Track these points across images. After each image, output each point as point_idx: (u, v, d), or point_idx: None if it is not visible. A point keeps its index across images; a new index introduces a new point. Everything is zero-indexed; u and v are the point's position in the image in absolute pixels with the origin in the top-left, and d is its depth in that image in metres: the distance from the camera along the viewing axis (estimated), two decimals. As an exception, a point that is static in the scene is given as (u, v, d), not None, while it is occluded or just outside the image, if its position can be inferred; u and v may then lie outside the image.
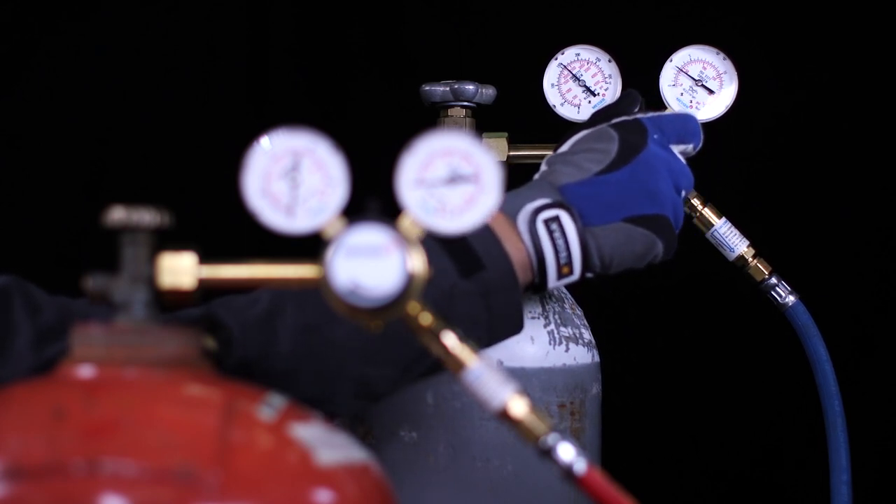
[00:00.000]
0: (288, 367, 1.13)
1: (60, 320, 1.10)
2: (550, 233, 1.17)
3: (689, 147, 1.27)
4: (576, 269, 1.18)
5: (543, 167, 1.24)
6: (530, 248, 1.16)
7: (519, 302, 1.17)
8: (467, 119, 1.36)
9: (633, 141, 1.22)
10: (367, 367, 1.14)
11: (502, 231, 1.16)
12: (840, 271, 1.99)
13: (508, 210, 1.18)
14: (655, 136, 1.24)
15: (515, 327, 1.18)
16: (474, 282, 1.14)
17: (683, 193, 1.25)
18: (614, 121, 1.24)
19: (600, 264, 1.19)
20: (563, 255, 1.17)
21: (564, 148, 1.24)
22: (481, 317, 1.15)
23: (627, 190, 1.20)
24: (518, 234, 1.17)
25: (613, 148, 1.22)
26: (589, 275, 1.20)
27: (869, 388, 1.95)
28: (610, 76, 1.37)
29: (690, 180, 1.26)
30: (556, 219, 1.17)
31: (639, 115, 1.26)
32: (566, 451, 0.87)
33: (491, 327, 1.16)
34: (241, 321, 1.12)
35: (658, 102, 1.36)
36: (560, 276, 1.18)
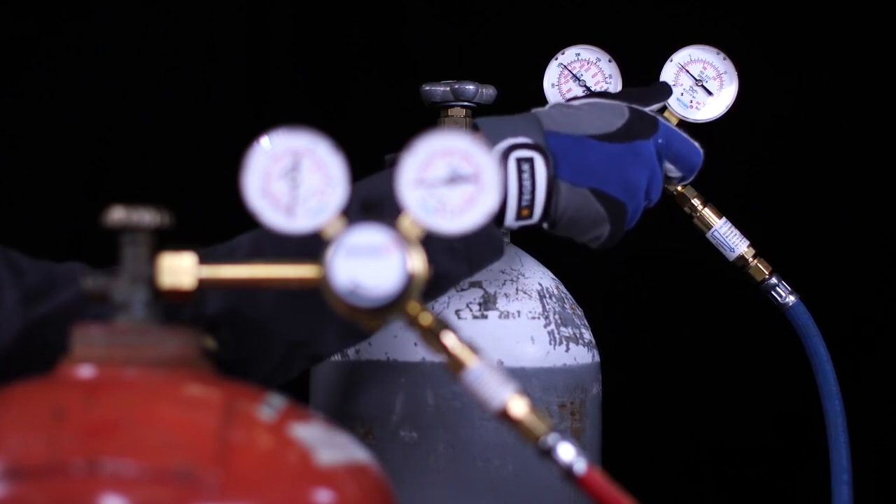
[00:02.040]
0: (273, 311, 1.14)
1: (46, 282, 1.12)
2: (520, 172, 1.19)
3: (678, 174, 1.29)
4: (536, 214, 1.20)
5: (546, 107, 1.25)
6: None
7: (494, 227, 1.19)
8: (467, 119, 1.36)
9: (638, 128, 1.24)
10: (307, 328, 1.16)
11: None
12: (840, 271, 1.99)
13: (491, 136, 1.19)
14: (660, 141, 1.25)
15: (495, 252, 1.20)
16: None
17: (646, 203, 1.26)
18: (635, 105, 1.25)
19: (555, 218, 1.21)
20: (526, 196, 1.19)
21: (576, 102, 1.25)
22: (459, 246, 1.17)
23: (608, 165, 1.22)
24: None
25: (619, 123, 1.23)
26: (545, 225, 1.21)
27: (869, 388, 1.95)
28: (610, 76, 1.37)
29: (658, 196, 1.27)
30: (530, 160, 1.19)
31: (658, 116, 1.28)
32: (566, 451, 0.87)
33: (469, 255, 1.18)
34: None
35: (658, 102, 1.37)
36: (519, 216, 1.20)
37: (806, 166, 2.01)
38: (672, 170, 1.29)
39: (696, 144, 1.29)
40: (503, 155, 1.18)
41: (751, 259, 1.40)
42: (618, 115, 1.24)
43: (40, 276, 1.12)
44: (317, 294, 1.13)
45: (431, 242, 1.13)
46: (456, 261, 1.17)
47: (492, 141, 1.19)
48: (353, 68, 2.06)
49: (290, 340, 1.15)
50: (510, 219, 1.20)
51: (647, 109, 1.28)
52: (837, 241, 2.00)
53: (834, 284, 1.95)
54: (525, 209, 1.19)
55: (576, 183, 1.21)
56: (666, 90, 1.32)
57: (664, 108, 1.35)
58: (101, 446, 0.77)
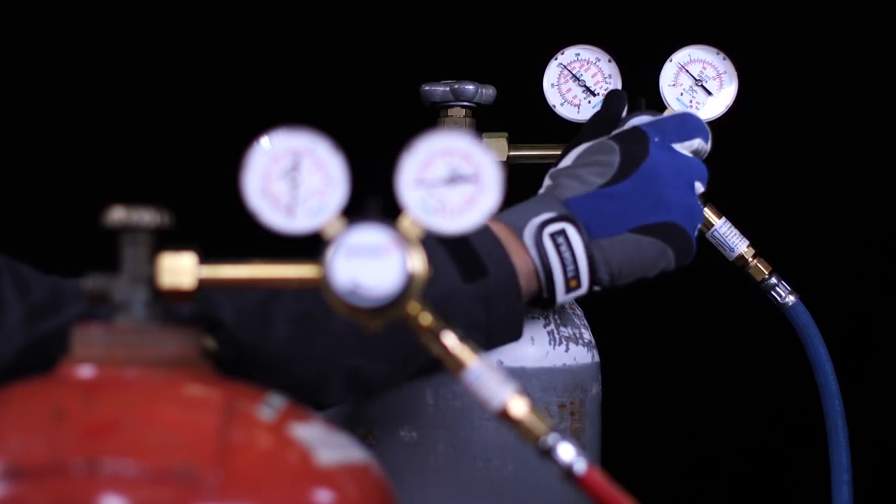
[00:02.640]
0: (282, 353, 1.13)
1: (53, 298, 1.11)
2: (557, 246, 1.17)
3: (697, 142, 1.26)
4: (583, 283, 1.18)
5: (547, 181, 1.24)
6: (537, 262, 1.17)
7: (519, 310, 1.18)
8: (467, 119, 1.36)
9: (634, 150, 1.22)
10: (362, 360, 1.15)
11: (509, 244, 1.17)
12: (840, 271, 1.99)
13: (515, 224, 1.18)
14: (657, 140, 1.23)
15: (514, 334, 1.19)
16: (476, 286, 1.15)
17: (700, 188, 1.24)
18: (615, 133, 1.24)
19: (608, 277, 1.20)
20: (570, 268, 1.17)
21: (567, 162, 1.24)
22: (480, 321, 1.16)
23: (632, 201, 1.20)
24: (524, 247, 1.17)
25: (616, 160, 1.22)
26: (596, 288, 1.20)
27: (869, 388, 1.95)
28: (610, 76, 1.37)
29: (703, 173, 1.25)
30: (563, 232, 1.17)
31: (638, 123, 1.26)
32: (566, 451, 0.87)
33: (489, 332, 1.17)
34: (238, 305, 1.13)
35: (658, 102, 1.36)
36: (568, 289, 1.18)
37: (806, 166, 2.01)
38: (690, 145, 1.26)
39: (681, 111, 1.28)
40: (536, 235, 1.17)
41: (751, 259, 1.40)
42: (608, 151, 1.22)
43: (46, 292, 1.11)
44: (329, 339, 1.13)
45: (454, 310, 1.13)
46: (473, 335, 1.15)
47: (518, 227, 1.18)
48: (353, 68, 2.06)
49: (295, 381, 1.14)
50: (560, 294, 1.18)
51: (631, 123, 1.27)
52: (837, 241, 2.00)
53: (834, 284, 1.95)
54: (572, 280, 1.18)
55: (614, 233, 1.20)
56: (620, 96, 1.31)
57: (664, 108, 1.35)
58: (101, 446, 0.77)
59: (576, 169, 1.22)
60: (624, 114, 1.29)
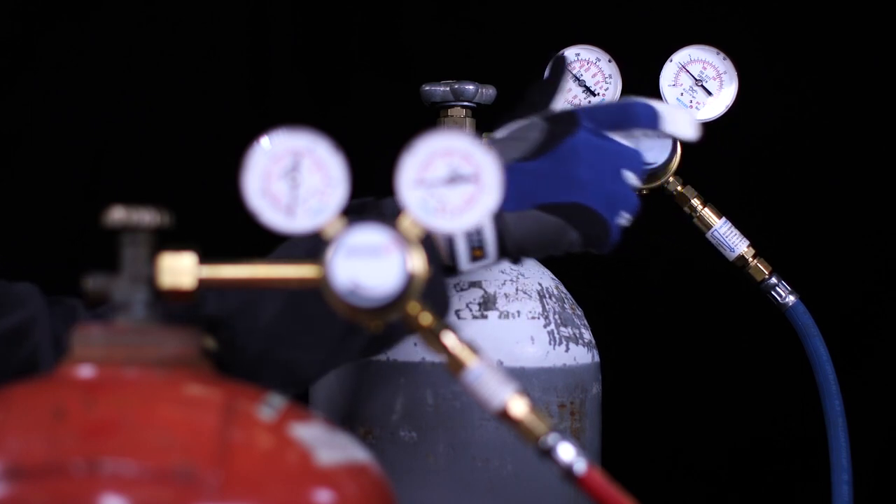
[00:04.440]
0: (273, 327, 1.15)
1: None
2: None
3: (638, 131, 1.26)
4: (489, 252, 1.19)
5: None
6: None
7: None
8: (467, 119, 1.36)
9: (559, 130, 1.22)
10: (295, 352, 1.16)
11: None
12: (840, 271, 1.99)
13: None
14: (587, 125, 1.23)
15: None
16: None
17: (631, 176, 1.24)
18: (550, 114, 1.25)
19: (515, 249, 1.20)
20: (475, 237, 1.18)
21: (501, 133, 1.25)
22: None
23: (542, 178, 1.21)
24: None
25: (537, 137, 1.22)
26: (506, 259, 1.21)
27: (869, 388, 1.95)
28: (610, 76, 1.37)
29: (635, 162, 1.24)
30: None
31: (577, 107, 1.27)
32: (566, 451, 0.87)
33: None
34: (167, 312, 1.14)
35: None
36: (473, 258, 1.19)
37: (806, 166, 2.01)
38: (626, 134, 1.26)
39: (635, 99, 1.27)
40: None
41: (751, 259, 1.40)
42: (534, 128, 1.23)
43: None
44: (259, 336, 1.14)
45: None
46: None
47: None
48: (354, 68, 2.06)
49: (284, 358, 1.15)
50: (464, 262, 1.19)
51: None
52: (837, 241, 2.00)
53: (834, 284, 1.95)
54: (477, 250, 1.19)
55: (521, 208, 1.20)
56: (557, 66, 1.31)
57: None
58: (101, 446, 0.77)
59: (501, 141, 1.23)
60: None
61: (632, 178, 1.23)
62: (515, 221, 1.19)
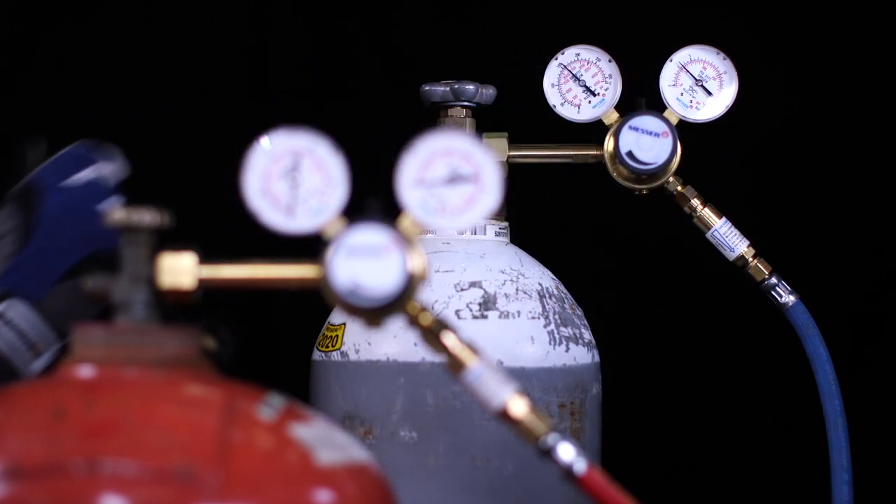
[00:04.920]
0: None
1: None
2: (7, 324, 1.19)
3: (88, 171, 1.28)
4: (49, 343, 1.19)
5: None
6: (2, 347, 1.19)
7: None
8: (467, 119, 1.36)
9: (29, 206, 1.23)
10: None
11: None
12: (840, 271, 1.99)
13: None
14: (53, 183, 1.25)
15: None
16: None
17: (112, 202, 1.26)
18: (11, 192, 1.26)
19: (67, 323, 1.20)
20: (29, 338, 1.18)
21: None
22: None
23: (48, 253, 1.21)
24: None
25: (19, 224, 1.23)
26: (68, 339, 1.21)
27: (869, 388, 1.95)
28: (610, 76, 1.37)
29: (101, 193, 1.26)
30: (2, 314, 1.18)
31: (33, 173, 1.28)
32: (566, 451, 0.87)
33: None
34: None
35: (658, 102, 1.37)
36: (37, 357, 1.19)
37: (806, 166, 2.01)
38: (89, 173, 1.27)
39: (72, 148, 1.30)
40: None
41: (751, 259, 1.40)
42: (12, 216, 1.24)
43: None
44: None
45: None
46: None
47: None
48: (354, 68, 2.06)
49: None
50: (26, 364, 1.19)
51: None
52: (837, 241, 1.99)
53: (834, 284, 1.95)
54: (32, 350, 1.19)
55: (50, 287, 1.20)
56: (38, 150, 1.33)
57: (664, 108, 1.35)
58: (101, 446, 0.77)
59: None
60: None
61: (114, 203, 1.25)
62: (53, 301, 1.20)
